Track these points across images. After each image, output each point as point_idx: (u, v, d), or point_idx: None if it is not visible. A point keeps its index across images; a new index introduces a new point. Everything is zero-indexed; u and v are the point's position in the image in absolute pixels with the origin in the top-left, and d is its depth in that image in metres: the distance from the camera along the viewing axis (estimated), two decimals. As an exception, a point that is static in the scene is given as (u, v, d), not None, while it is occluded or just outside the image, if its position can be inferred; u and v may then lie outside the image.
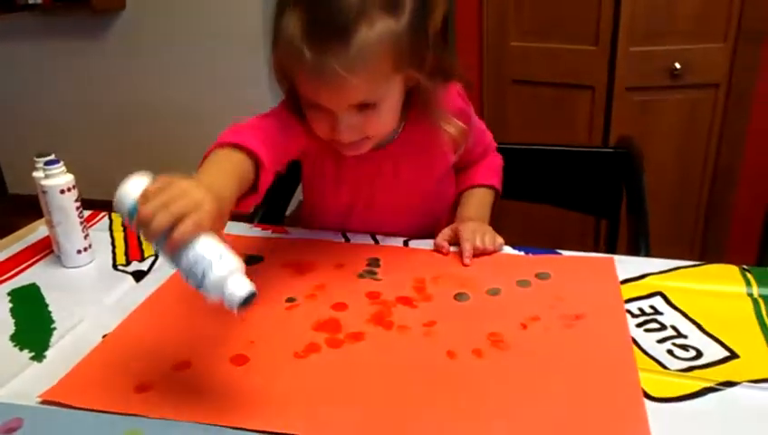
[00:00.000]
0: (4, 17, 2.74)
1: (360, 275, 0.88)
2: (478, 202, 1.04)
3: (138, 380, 0.69)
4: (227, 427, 0.61)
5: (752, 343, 0.71)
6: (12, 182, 3.20)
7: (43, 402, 0.66)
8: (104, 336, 0.77)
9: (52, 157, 0.92)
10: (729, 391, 0.63)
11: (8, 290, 0.88)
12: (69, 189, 0.90)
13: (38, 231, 1.06)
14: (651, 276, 0.84)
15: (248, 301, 0.57)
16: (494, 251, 0.92)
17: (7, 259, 0.97)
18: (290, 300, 0.84)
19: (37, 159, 0.93)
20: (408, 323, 0.78)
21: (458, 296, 0.83)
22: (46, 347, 0.75)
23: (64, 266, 0.94)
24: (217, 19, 2.62)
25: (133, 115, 2.85)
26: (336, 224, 1.02)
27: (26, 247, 1.01)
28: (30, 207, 3.17)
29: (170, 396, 0.66)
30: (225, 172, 0.71)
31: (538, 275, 0.86)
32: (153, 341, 0.76)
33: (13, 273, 0.93)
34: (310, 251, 0.95)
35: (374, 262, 0.92)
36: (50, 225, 0.94)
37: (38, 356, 0.74)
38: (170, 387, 0.68)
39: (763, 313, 0.76)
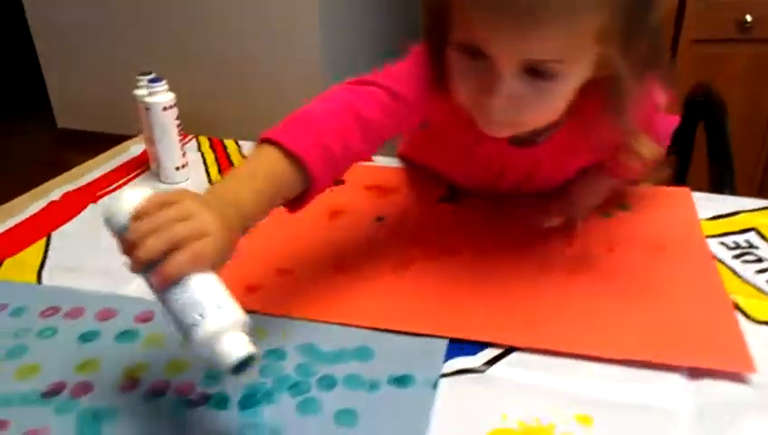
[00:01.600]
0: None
1: (441, 200, 0.91)
2: (602, 185, 0.86)
3: (247, 281, 0.73)
4: (339, 324, 0.65)
5: None
6: (61, 117, 3.26)
7: None
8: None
9: (154, 75, 0.95)
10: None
11: (114, 201, 0.92)
12: (170, 107, 0.94)
13: (130, 150, 1.10)
14: (744, 213, 0.86)
15: (246, 365, 0.46)
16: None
17: (103, 176, 1.01)
18: (379, 219, 0.87)
19: (140, 78, 0.96)
20: (500, 244, 0.80)
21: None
22: (160, 251, 0.79)
23: (162, 183, 0.98)
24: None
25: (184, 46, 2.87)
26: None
27: (121, 165, 1.05)
28: (80, 140, 3.21)
29: (278, 295, 0.71)
30: (258, 182, 0.56)
31: (620, 207, 0.88)
32: (256, 248, 0.80)
33: (111, 188, 0.97)
34: (393, 175, 0.98)
35: (453, 190, 0.93)
36: (149, 142, 0.97)
37: (155, 259, 0.78)
38: (277, 288, 0.72)
39: None
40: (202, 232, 0.48)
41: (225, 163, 1.04)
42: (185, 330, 0.46)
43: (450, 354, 0.62)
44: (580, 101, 0.64)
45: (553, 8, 0.55)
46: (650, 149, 0.72)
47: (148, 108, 0.93)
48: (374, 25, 3.15)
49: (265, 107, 2.81)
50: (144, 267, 0.48)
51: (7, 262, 0.79)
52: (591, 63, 0.61)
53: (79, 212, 0.90)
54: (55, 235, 0.85)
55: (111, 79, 3.03)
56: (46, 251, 0.81)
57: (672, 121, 0.84)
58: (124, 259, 0.49)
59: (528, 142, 0.76)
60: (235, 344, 0.45)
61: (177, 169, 0.97)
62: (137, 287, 0.72)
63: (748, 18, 1.96)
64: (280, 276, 0.74)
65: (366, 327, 0.65)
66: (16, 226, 0.87)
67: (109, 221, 0.51)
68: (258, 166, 0.58)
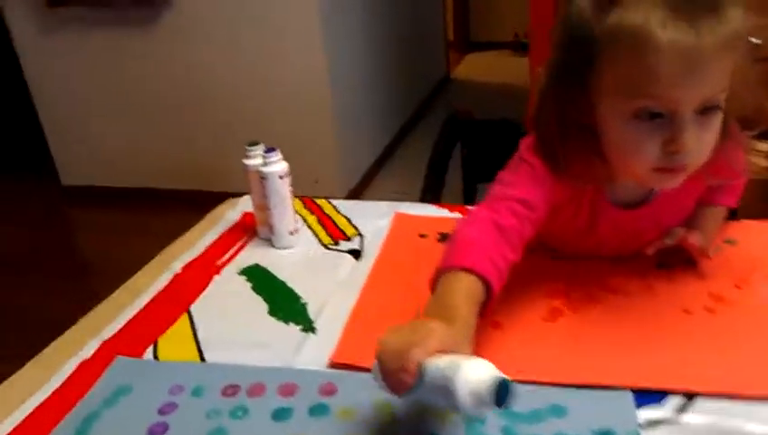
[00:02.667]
0: (55, 10, 2.78)
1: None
2: (711, 217, 0.89)
3: None
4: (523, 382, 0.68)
5: None
6: (64, 174, 3.25)
7: (332, 366, 0.73)
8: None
9: (262, 146, 0.99)
10: None
11: (237, 271, 0.95)
12: (285, 175, 0.97)
13: (225, 217, 1.12)
14: None
15: (506, 393, 0.52)
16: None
17: (215, 242, 1.03)
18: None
19: (249, 148, 0.99)
20: (629, 288, 0.84)
21: (660, 265, 0.89)
22: (311, 321, 0.82)
23: (275, 247, 1.00)
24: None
25: (186, 99, 2.90)
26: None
27: (226, 231, 1.07)
28: (83, 196, 3.21)
29: None
30: (462, 297, 0.67)
31: (725, 241, 0.93)
32: (402, 305, 0.82)
33: (230, 254, 0.99)
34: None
35: None
36: (262, 208, 1.00)
37: (309, 328, 0.80)
38: None
39: None
40: (428, 333, 0.58)
41: (329, 224, 1.06)
42: (445, 393, 0.53)
43: (637, 404, 0.65)
44: None
45: (724, 47, 0.63)
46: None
47: (264, 177, 0.96)
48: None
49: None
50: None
51: (161, 340, 0.80)
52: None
53: (206, 285, 0.92)
54: (194, 309, 0.86)
55: (115, 135, 3.07)
56: (193, 326, 0.83)
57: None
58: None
59: (644, 201, 0.83)
60: (490, 375, 0.52)
61: (291, 233, 1.00)
62: (304, 358, 0.75)
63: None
64: None
65: (549, 383, 0.68)
66: (151, 303, 0.88)
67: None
68: (456, 289, 0.68)
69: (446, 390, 0.53)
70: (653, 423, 0.63)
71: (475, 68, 4.95)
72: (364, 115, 3.15)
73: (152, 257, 1.01)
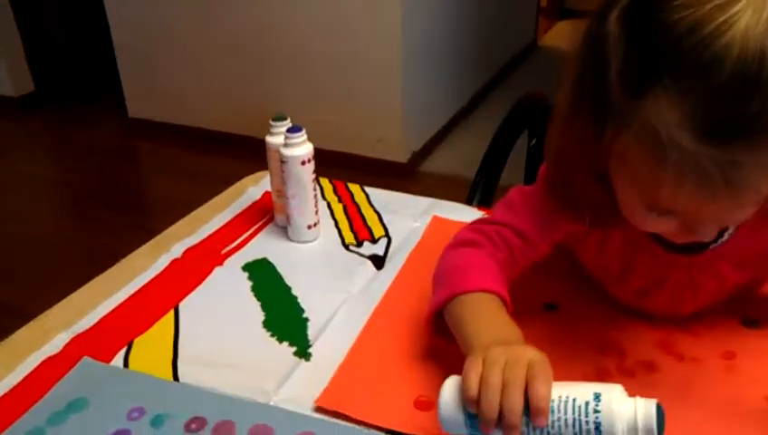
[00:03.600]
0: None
1: None
2: None
3: (415, 393, 0.63)
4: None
5: None
6: (132, 106, 3.23)
7: (316, 410, 0.61)
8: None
9: (288, 122, 0.85)
10: None
11: (242, 264, 0.83)
12: (309, 160, 0.83)
13: (246, 193, 1.00)
14: None
15: (661, 419, 0.48)
16: None
17: (224, 227, 0.91)
18: (550, 306, 0.75)
19: (274, 123, 0.86)
20: (701, 354, 0.68)
21: (746, 322, 0.72)
22: (307, 343, 0.70)
23: (291, 240, 0.88)
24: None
25: (261, 46, 2.80)
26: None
27: (241, 212, 0.95)
28: (151, 129, 3.24)
29: None
30: (506, 318, 0.61)
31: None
32: (416, 347, 0.69)
33: (239, 241, 0.88)
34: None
35: None
36: (280, 195, 0.87)
37: (303, 353, 0.68)
38: None
39: None
40: (532, 361, 0.50)
41: (356, 218, 0.93)
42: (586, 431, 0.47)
43: None
44: None
45: (753, 181, 0.48)
46: None
47: (284, 160, 0.83)
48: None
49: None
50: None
51: (137, 342, 0.70)
52: None
53: (205, 276, 0.81)
54: (183, 308, 0.75)
55: (183, 72, 3.01)
56: (176, 331, 0.72)
57: None
58: None
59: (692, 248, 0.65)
60: (643, 405, 0.48)
61: (309, 227, 0.87)
62: (288, 392, 0.63)
63: None
64: None
65: None
66: (140, 291, 0.78)
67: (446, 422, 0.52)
68: (493, 310, 0.62)
69: (588, 427, 0.47)
70: None
71: (567, 36, 4.61)
72: (437, 76, 2.96)
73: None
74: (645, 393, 0.59)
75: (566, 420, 0.48)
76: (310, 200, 0.85)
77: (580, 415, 0.47)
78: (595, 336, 0.70)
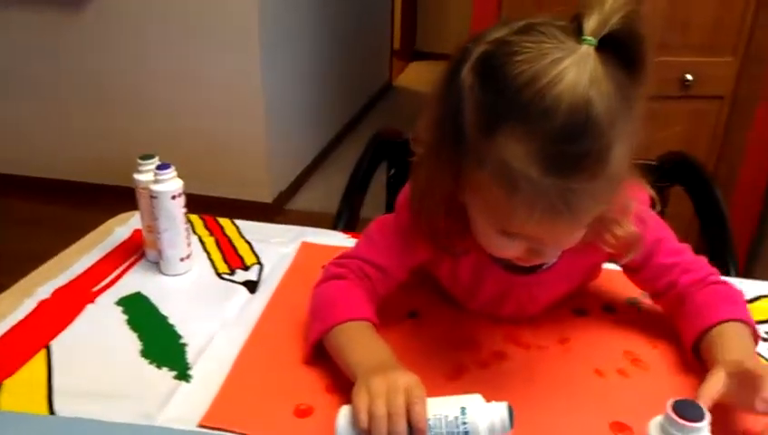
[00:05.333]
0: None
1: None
2: (736, 336, 0.72)
3: (294, 402, 0.68)
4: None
5: None
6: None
7: (202, 427, 0.64)
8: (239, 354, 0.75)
9: (156, 160, 0.88)
10: None
11: (115, 300, 0.84)
12: (179, 195, 0.87)
13: (114, 233, 1.01)
14: (764, 299, 0.88)
15: (511, 413, 0.58)
16: None
17: (94, 266, 0.92)
18: (412, 314, 0.83)
19: (142, 162, 0.88)
20: (543, 341, 0.79)
21: (576, 312, 0.85)
22: (186, 366, 0.72)
23: (164, 274, 0.90)
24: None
25: (113, 92, 2.74)
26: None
27: (111, 251, 0.96)
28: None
29: (329, 421, 0.63)
30: (378, 342, 0.70)
31: (643, 294, 0.87)
32: (292, 360, 0.74)
33: (110, 279, 0.88)
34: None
35: None
36: (151, 230, 0.89)
37: (183, 375, 0.71)
38: (328, 411, 0.65)
39: None
40: (407, 386, 0.59)
41: (227, 249, 0.97)
42: None
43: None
44: None
45: (602, 198, 0.60)
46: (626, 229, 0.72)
47: (155, 196, 0.85)
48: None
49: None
50: None
51: (7, 384, 0.69)
52: None
53: (76, 314, 0.81)
54: (55, 346, 0.75)
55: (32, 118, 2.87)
56: (50, 368, 0.72)
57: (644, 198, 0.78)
58: None
59: (529, 269, 0.77)
60: (497, 405, 0.58)
61: (182, 259, 0.90)
62: (171, 413, 0.66)
63: (689, 77, 2.08)
64: (330, 394, 0.69)
65: None
66: (7, 334, 0.77)
67: None
68: (367, 336, 0.71)
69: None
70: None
71: (418, 77, 4.90)
72: (299, 118, 3.05)
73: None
74: (498, 379, 0.71)
75: (442, 433, 0.58)
76: (181, 233, 0.88)
77: (451, 428, 0.57)
78: (452, 336, 0.79)
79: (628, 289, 0.85)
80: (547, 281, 0.79)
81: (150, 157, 0.89)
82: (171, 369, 0.72)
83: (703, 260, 0.80)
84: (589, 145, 0.55)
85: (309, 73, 3.11)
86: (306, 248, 0.97)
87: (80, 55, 2.71)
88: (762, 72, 2.07)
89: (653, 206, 0.77)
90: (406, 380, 0.60)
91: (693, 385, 0.69)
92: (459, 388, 0.69)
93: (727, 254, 1.08)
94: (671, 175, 1.25)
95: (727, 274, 1.01)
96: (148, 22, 2.59)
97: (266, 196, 2.80)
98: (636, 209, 0.71)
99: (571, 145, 0.55)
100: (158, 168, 0.86)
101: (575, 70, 0.54)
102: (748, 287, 0.88)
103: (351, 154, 3.00)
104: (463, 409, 0.58)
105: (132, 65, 2.69)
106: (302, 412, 0.67)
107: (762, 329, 0.78)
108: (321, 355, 0.72)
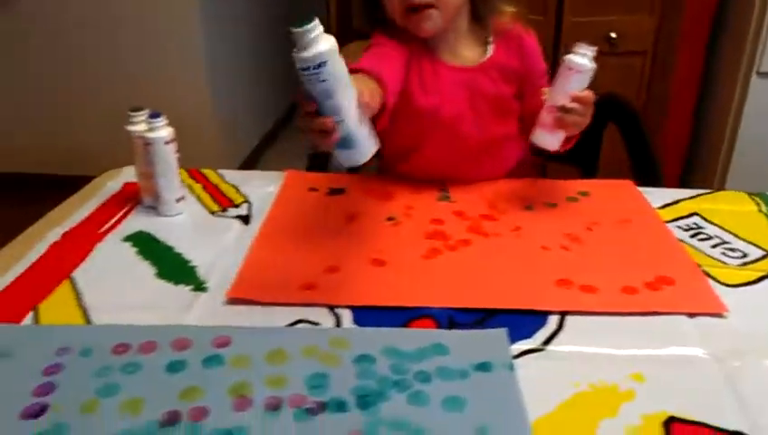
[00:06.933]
0: None
1: (438, 199, 1.03)
2: None
3: (303, 281, 0.81)
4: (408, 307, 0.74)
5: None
6: None
7: (230, 302, 0.77)
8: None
9: (147, 111, 0.97)
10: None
11: (121, 237, 0.92)
12: (171, 140, 0.95)
13: (106, 187, 1.08)
14: (683, 201, 1.04)
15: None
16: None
17: (96, 211, 1.00)
18: (390, 219, 0.97)
19: (134, 113, 0.97)
20: (499, 231, 0.94)
21: (526, 207, 1.01)
22: (201, 280, 0.82)
23: (161, 215, 0.99)
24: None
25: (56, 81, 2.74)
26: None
27: (108, 200, 1.03)
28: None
29: (331, 292, 0.79)
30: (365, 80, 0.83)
31: (580, 193, 1.06)
32: (299, 255, 0.87)
33: (113, 222, 0.97)
34: (385, 184, 1.08)
35: (444, 188, 1.06)
36: (146, 176, 0.98)
37: (200, 288, 0.80)
38: (329, 285, 0.80)
39: (775, 224, 0.98)
40: None
41: (215, 193, 1.06)
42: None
43: (512, 340, 0.72)
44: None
45: None
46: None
47: (149, 143, 0.94)
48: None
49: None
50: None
51: (42, 307, 0.77)
52: None
53: (88, 252, 0.89)
54: (77, 276, 0.83)
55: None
56: (77, 292, 0.80)
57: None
58: None
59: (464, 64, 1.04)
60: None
61: (177, 200, 0.99)
62: (196, 316, 0.75)
63: (613, 35, 2.26)
64: (329, 274, 0.82)
65: (432, 307, 0.76)
66: (28, 270, 0.84)
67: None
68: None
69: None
70: (524, 353, 0.70)
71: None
72: (243, 104, 3.11)
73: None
74: (464, 258, 0.86)
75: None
76: (176, 176, 0.97)
77: None
78: (426, 231, 0.94)
79: (567, 191, 1.04)
80: (486, 73, 1.04)
81: (140, 109, 0.97)
82: (187, 284, 0.81)
83: None
84: None
85: (250, 59, 3.17)
86: (292, 176, 1.10)
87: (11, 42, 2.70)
88: (677, 27, 2.28)
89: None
90: None
91: (621, 256, 0.87)
92: (435, 264, 0.85)
93: (656, 182, 1.24)
94: (603, 114, 1.40)
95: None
96: (90, 10, 2.60)
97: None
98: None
99: None
100: (151, 116, 0.94)
101: None
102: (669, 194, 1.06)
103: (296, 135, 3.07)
104: None
105: (71, 55, 2.69)
106: (309, 286, 0.80)
107: (675, 224, 0.97)
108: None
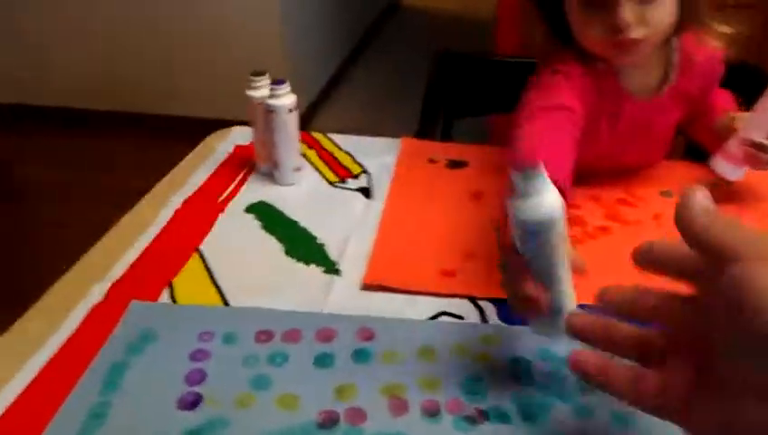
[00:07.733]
0: None
1: None
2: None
3: (439, 266, 0.78)
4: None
5: None
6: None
7: (365, 289, 0.74)
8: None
9: (267, 77, 0.93)
10: None
11: (243, 208, 0.90)
12: (294, 109, 0.91)
13: (216, 149, 1.06)
14: None
15: None
16: None
17: (212, 176, 0.98)
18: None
19: (255, 78, 0.93)
20: (638, 219, 0.88)
21: (663, 193, 0.94)
22: (333, 261, 0.79)
23: (278, 184, 0.96)
24: None
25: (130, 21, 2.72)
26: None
27: (221, 165, 1.01)
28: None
29: (474, 280, 0.75)
30: None
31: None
32: (434, 239, 0.84)
33: (230, 190, 0.94)
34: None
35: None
36: (264, 143, 0.95)
37: (334, 270, 0.78)
38: (469, 274, 0.77)
39: None
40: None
41: (331, 161, 1.02)
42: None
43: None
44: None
45: None
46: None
47: (272, 110, 0.90)
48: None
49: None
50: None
51: (176, 282, 0.76)
52: None
53: (212, 223, 0.87)
54: (204, 249, 0.82)
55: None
56: (208, 268, 0.78)
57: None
58: None
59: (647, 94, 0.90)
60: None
61: (295, 170, 0.95)
62: (335, 301, 0.73)
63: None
64: (467, 261, 0.79)
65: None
66: (156, 240, 0.83)
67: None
68: None
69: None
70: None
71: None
72: (312, 43, 3.04)
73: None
74: (603, 245, 0.82)
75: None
76: (296, 145, 0.94)
77: None
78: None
79: (708, 175, 0.94)
80: (663, 106, 0.90)
81: (262, 73, 0.93)
82: (318, 265, 0.79)
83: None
84: None
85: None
86: (408, 144, 1.06)
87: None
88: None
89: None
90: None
91: None
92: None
93: None
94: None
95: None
96: None
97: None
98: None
99: None
100: (274, 83, 0.90)
101: None
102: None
103: (361, 78, 2.97)
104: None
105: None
106: (448, 273, 0.76)
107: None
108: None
